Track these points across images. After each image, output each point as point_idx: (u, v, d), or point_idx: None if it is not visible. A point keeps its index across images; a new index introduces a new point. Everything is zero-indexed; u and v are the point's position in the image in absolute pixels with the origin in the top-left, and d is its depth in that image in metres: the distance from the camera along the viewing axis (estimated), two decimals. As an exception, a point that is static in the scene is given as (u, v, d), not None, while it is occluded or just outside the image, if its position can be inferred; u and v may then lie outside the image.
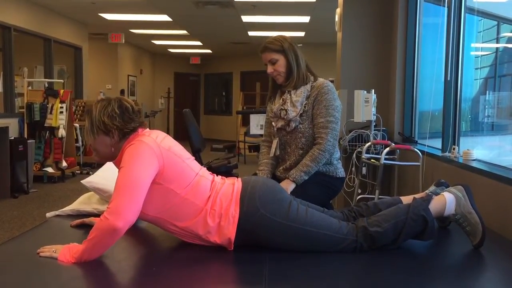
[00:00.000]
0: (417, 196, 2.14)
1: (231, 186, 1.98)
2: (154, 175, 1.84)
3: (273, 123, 2.69)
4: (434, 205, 2.02)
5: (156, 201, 1.88)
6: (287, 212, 1.93)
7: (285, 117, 2.59)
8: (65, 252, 1.79)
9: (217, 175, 2.09)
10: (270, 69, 2.60)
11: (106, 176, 2.44)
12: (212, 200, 1.92)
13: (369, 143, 4.15)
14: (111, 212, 1.72)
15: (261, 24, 9.40)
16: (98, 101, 1.95)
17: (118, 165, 1.90)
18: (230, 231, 1.90)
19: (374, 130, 4.40)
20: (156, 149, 1.86)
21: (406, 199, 2.15)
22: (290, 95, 2.59)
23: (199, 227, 1.91)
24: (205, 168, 2.08)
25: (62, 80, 8.57)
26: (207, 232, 1.91)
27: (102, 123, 1.90)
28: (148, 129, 1.98)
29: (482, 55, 4.18)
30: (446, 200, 2.03)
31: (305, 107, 2.57)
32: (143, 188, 1.80)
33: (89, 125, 1.92)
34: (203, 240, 1.93)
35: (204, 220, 1.90)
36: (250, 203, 1.92)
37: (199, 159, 5.12)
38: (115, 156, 1.93)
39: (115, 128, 1.90)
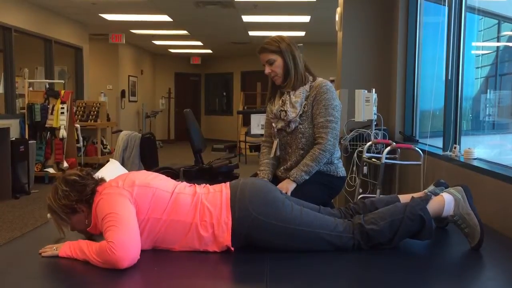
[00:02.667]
0: (415, 195, 2.11)
1: (219, 194, 1.97)
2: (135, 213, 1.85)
3: (273, 124, 2.69)
4: (432, 205, 2.02)
5: (146, 234, 1.88)
6: (281, 213, 1.93)
7: (284, 118, 2.59)
8: (66, 248, 1.83)
9: (199, 184, 2.07)
10: (267, 70, 2.60)
11: (107, 177, 2.43)
12: (200, 212, 1.91)
13: (370, 143, 4.15)
14: (118, 249, 1.69)
15: (262, 24, 9.39)
16: (48, 195, 1.96)
17: (94, 230, 1.93)
18: (226, 238, 1.89)
19: (375, 129, 4.39)
20: (123, 191, 1.87)
21: (404, 198, 2.14)
22: (289, 96, 2.59)
23: (194, 240, 1.90)
24: (183, 182, 2.06)
25: (62, 81, 8.57)
26: (204, 244, 1.91)
27: (63, 206, 1.92)
28: (104, 182, 1.99)
29: (482, 54, 4.18)
30: (445, 201, 2.02)
31: (304, 107, 2.56)
32: (135, 223, 1.80)
33: (57, 216, 1.94)
34: (202, 251, 1.92)
35: (197, 233, 1.89)
36: (241, 207, 1.91)
37: (200, 159, 5.12)
38: (90, 223, 1.94)
39: (76, 201, 1.92)
